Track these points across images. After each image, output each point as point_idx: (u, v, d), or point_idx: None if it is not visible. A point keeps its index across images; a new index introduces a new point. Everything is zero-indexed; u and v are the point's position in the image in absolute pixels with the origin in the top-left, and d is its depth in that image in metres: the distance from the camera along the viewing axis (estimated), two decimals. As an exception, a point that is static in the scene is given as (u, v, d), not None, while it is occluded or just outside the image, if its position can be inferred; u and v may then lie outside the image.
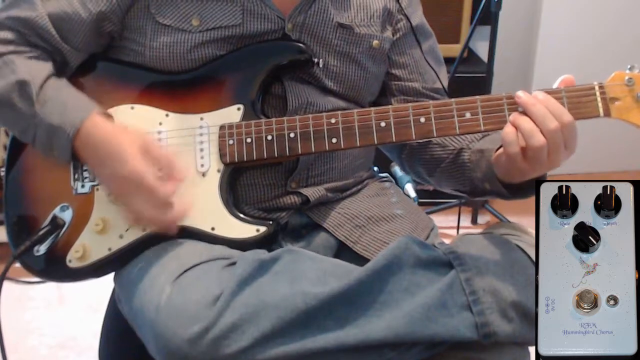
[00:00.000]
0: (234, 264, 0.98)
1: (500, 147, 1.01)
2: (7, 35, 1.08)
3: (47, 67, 1.08)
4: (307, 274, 0.95)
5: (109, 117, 1.06)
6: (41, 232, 1.08)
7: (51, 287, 2.17)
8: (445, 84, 1.26)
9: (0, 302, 1.02)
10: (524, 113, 0.96)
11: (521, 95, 0.97)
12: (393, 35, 1.20)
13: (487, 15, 2.33)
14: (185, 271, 0.96)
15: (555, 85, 1.00)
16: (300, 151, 1.05)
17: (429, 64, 1.22)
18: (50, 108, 1.03)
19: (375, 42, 1.17)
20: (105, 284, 1.19)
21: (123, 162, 0.99)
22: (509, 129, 0.96)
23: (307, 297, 0.92)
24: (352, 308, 0.93)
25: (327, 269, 0.97)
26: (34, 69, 1.06)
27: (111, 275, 1.13)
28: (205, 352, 0.88)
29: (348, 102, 1.17)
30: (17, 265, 1.10)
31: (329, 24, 1.13)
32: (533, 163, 0.96)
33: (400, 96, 1.22)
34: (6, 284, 1.07)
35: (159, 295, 0.94)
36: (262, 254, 0.99)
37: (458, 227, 2.48)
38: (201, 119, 1.08)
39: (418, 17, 1.23)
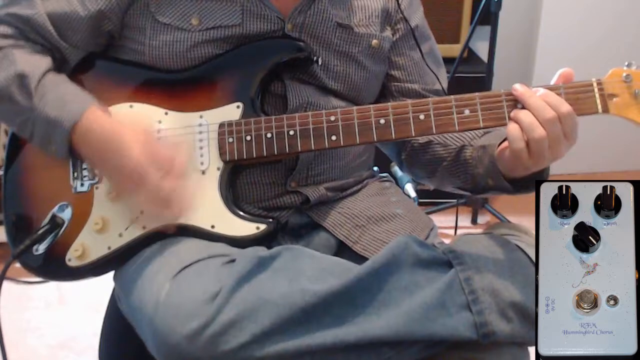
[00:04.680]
0: (233, 261, 0.98)
1: (503, 141, 1.02)
2: (6, 30, 1.08)
3: (46, 61, 1.08)
4: (306, 271, 0.95)
5: (107, 111, 1.06)
6: (40, 231, 1.08)
7: (51, 287, 2.17)
8: (445, 85, 1.26)
9: (0, 301, 1.02)
10: (523, 108, 0.97)
11: (518, 87, 0.98)
12: (393, 36, 1.20)
13: (487, 15, 2.34)
14: (185, 268, 0.96)
15: (554, 78, 1.01)
16: (299, 149, 1.05)
17: (428, 66, 1.22)
18: (48, 101, 1.03)
19: (374, 42, 1.17)
20: (105, 284, 1.19)
21: (125, 157, 0.99)
22: (512, 126, 0.97)
23: (306, 295, 0.91)
24: (350, 306, 0.93)
25: (326, 266, 0.97)
26: (33, 62, 1.06)
27: (111, 275, 1.13)
28: (203, 348, 0.88)
29: (348, 103, 1.17)
30: (17, 265, 1.10)
31: (329, 24, 1.13)
32: (536, 157, 0.97)
33: (399, 97, 1.22)
34: (6, 284, 1.07)
35: (158, 292, 0.94)
36: (261, 251, 0.99)
37: (457, 227, 2.48)
38: (200, 116, 1.08)
39: (418, 18, 1.23)
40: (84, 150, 1.03)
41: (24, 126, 1.06)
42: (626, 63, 1.00)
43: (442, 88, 1.25)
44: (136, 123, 1.04)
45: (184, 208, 1.03)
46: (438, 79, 1.24)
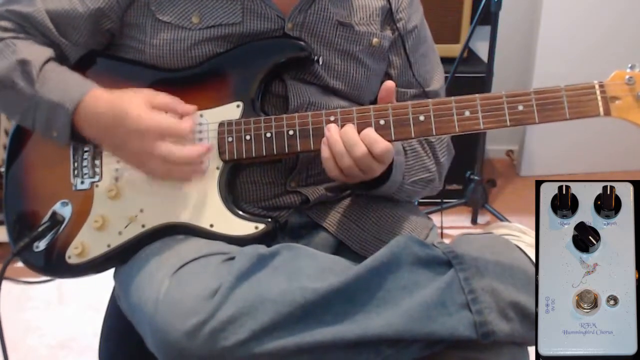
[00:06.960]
0: (232, 258, 0.98)
1: None
2: (7, 24, 1.09)
3: (48, 50, 1.09)
4: (305, 269, 0.95)
5: (109, 92, 1.05)
6: (41, 228, 1.08)
7: (51, 286, 2.18)
8: (442, 85, 1.26)
9: (0, 301, 1.02)
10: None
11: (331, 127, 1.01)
12: (392, 35, 1.20)
13: (487, 15, 2.34)
14: (184, 265, 0.96)
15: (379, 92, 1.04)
16: (299, 149, 1.05)
17: (426, 66, 1.23)
18: (50, 87, 1.04)
19: (375, 40, 1.17)
20: (105, 284, 1.19)
21: (135, 119, 0.99)
22: (325, 154, 1.01)
23: (305, 292, 0.92)
24: (350, 304, 0.93)
25: (326, 265, 0.97)
26: (35, 51, 1.07)
27: (111, 275, 1.13)
28: (202, 345, 0.88)
29: (350, 102, 1.17)
30: (18, 265, 1.10)
31: (329, 22, 1.13)
32: (355, 177, 1.03)
33: (397, 95, 1.22)
34: (6, 284, 1.07)
35: (158, 289, 0.94)
36: (261, 248, 0.99)
37: (457, 227, 2.48)
38: (200, 115, 1.08)
39: (417, 18, 1.23)
40: (89, 130, 1.03)
41: (26, 114, 1.06)
42: (629, 65, 0.98)
43: (440, 88, 1.25)
44: (139, 92, 1.05)
45: (198, 171, 1.04)
46: (433, 81, 1.24)
